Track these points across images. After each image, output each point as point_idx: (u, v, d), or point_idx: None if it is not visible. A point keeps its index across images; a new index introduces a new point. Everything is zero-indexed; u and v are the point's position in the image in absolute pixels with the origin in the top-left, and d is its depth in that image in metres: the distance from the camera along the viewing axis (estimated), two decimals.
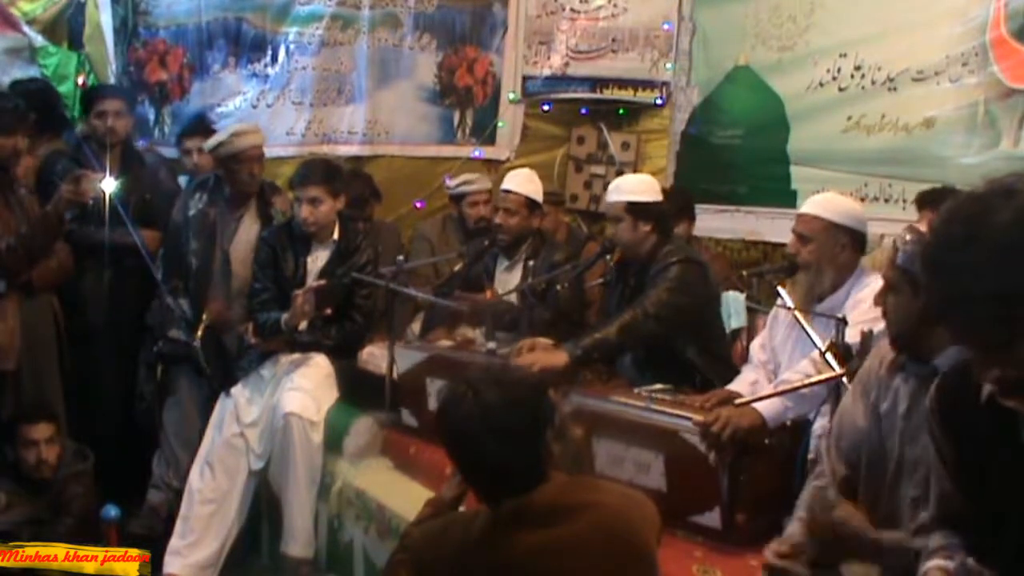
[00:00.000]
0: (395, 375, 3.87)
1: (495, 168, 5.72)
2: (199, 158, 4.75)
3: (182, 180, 4.93)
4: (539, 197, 4.25)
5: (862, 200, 4.23)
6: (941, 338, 2.00)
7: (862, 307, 2.84)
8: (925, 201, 3.72)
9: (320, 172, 4.10)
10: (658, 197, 3.60)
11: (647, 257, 3.54)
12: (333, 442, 3.91)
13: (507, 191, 4.20)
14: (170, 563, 3.80)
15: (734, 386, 3.13)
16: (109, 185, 4.11)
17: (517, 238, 4.18)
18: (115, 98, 4.59)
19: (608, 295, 3.85)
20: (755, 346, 3.29)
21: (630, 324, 3.36)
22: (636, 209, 3.52)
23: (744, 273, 4.45)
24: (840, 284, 2.97)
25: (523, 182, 4.21)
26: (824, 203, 3.07)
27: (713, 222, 5.06)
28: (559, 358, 3.33)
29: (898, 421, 2.16)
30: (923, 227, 2.15)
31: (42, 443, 3.74)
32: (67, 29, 5.18)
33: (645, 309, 3.37)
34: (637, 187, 3.61)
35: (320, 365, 4.07)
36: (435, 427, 2.08)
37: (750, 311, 4.00)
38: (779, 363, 3.17)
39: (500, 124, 5.90)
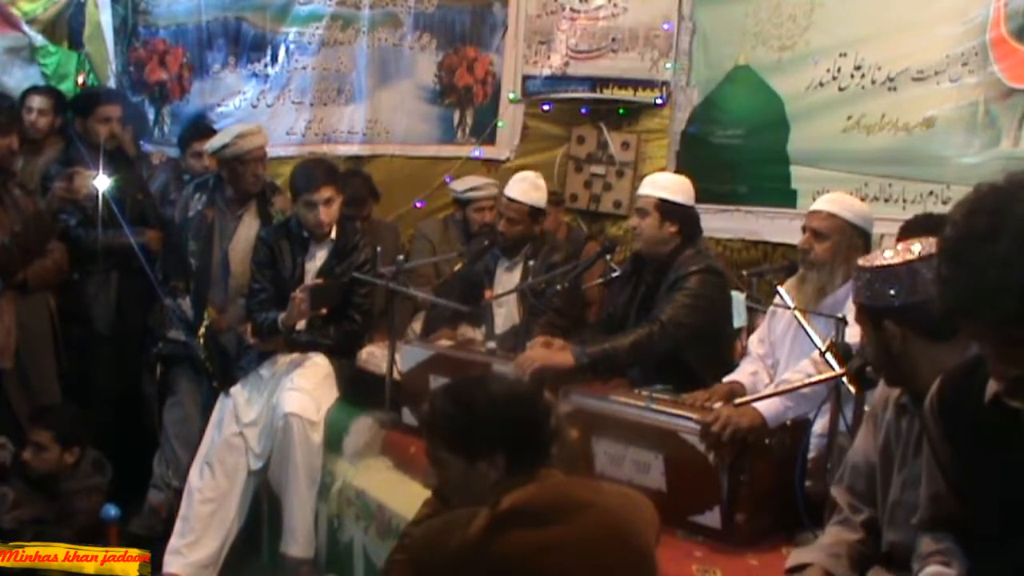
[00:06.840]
0: (397, 374, 3.87)
1: (495, 168, 5.71)
2: (209, 160, 4.73)
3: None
4: (543, 203, 4.19)
5: (862, 200, 4.22)
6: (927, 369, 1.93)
7: None
8: (910, 235, 3.55)
9: (325, 172, 4.10)
10: (690, 201, 3.55)
11: (667, 258, 3.49)
12: (333, 442, 3.91)
13: (511, 199, 4.11)
14: (170, 563, 3.81)
15: (734, 377, 3.13)
16: (103, 183, 4.11)
17: (518, 241, 4.16)
18: (116, 103, 4.59)
19: (618, 287, 3.76)
20: (753, 340, 3.29)
21: (644, 342, 3.31)
22: (666, 207, 3.48)
23: (744, 273, 4.45)
24: (845, 283, 2.97)
25: (527, 189, 4.12)
26: (841, 202, 3.09)
27: (713, 222, 5.03)
28: (564, 358, 3.32)
29: (896, 462, 2.06)
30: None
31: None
32: (67, 28, 5.19)
33: (662, 327, 3.31)
34: (671, 185, 3.56)
35: (319, 365, 4.07)
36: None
37: (750, 311, 4.00)
38: (777, 359, 3.17)
39: (500, 124, 5.89)
